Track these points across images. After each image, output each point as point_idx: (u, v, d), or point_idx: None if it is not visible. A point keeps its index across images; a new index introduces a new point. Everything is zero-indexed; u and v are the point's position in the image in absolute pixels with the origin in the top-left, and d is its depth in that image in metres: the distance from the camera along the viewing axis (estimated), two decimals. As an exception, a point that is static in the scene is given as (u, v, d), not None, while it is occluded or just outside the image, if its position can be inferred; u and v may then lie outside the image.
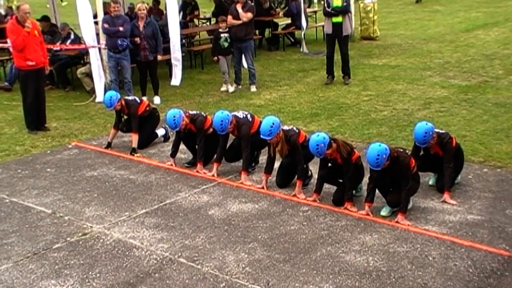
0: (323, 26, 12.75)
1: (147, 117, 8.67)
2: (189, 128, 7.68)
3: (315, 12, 18.54)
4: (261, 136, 6.79)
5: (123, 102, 8.50)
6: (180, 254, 5.56)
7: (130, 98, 8.92)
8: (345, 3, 11.38)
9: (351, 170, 6.34)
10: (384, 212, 6.17)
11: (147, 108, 8.67)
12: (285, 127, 7.02)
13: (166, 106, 10.28)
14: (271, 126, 6.70)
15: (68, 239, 5.97)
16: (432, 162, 6.70)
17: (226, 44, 11.67)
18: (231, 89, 11.76)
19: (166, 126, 8.27)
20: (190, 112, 7.81)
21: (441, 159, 6.55)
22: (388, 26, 18.81)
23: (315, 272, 5.17)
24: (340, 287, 4.94)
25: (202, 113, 7.86)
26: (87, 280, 5.19)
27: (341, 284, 4.97)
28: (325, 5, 11.51)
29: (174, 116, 7.53)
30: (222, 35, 11.67)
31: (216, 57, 11.93)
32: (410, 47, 15.46)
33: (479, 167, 7.33)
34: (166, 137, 8.95)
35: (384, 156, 5.91)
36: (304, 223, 6.10)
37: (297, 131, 6.96)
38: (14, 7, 15.88)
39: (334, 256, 5.41)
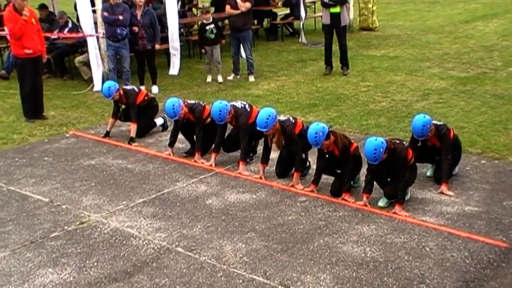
0: (321, 17, 12.69)
1: (146, 106, 8.64)
2: (188, 118, 7.66)
3: (314, 2, 18.42)
4: (257, 128, 6.78)
5: (121, 91, 8.47)
6: (177, 243, 5.57)
7: (128, 87, 8.90)
8: (343, -6, 11.35)
9: (349, 161, 6.35)
10: (381, 203, 6.18)
11: (146, 98, 8.65)
12: (282, 117, 6.98)
13: (164, 95, 10.25)
14: (267, 119, 6.68)
15: (66, 227, 5.97)
16: (430, 153, 6.70)
17: (212, 36, 11.59)
18: (209, 79, 11.75)
19: (165, 115, 8.24)
20: (189, 101, 7.80)
21: (439, 151, 6.55)
22: (387, 17, 18.75)
23: (312, 262, 5.18)
24: (337, 277, 4.95)
25: (201, 103, 7.84)
26: (84, 269, 5.20)
27: (338, 274, 4.98)
28: (323, -5, 11.47)
29: (173, 105, 7.50)
30: (207, 27, 11.59)
31: (203, 50, 11.90)
32: (409, 38, 15.42)
33: (477, 159, 7.34)
34: (164, 127, 8.93)
35: (381, 150, 5.92)
36: (301, 213, 6.11)
37: (294, 121, 6.93)
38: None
39: (331, 246, 5.42)
